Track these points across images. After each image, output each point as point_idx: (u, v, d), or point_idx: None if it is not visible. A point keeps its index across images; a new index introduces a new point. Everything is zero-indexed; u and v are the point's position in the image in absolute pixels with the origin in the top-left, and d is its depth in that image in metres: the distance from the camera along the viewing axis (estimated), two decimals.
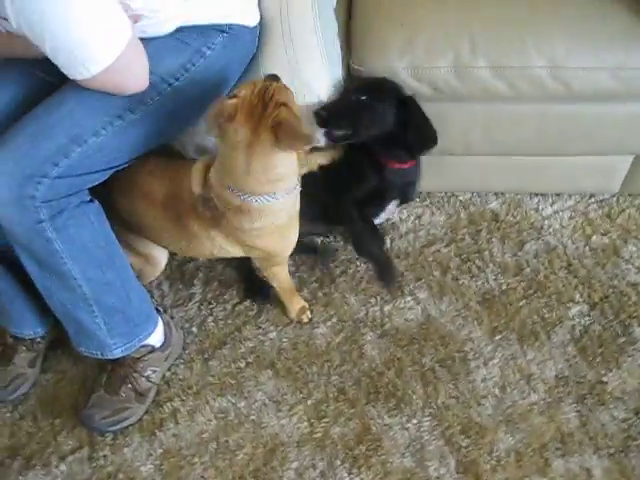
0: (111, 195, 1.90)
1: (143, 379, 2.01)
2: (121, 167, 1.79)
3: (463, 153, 2.23)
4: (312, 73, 1.93)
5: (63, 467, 1.97)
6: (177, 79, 1.74)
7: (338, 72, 2.01)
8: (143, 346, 1.99)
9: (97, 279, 1.79)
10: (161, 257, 2.10)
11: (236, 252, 1.92)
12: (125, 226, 1.95)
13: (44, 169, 1.58)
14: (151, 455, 1.97)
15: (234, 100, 1.58)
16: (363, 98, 1.89)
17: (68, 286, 1.76)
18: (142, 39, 1.61)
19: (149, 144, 1.81)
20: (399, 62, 1.96)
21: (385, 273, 2.17)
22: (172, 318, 2.22)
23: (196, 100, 1.81)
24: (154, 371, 2.03)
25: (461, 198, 2.45)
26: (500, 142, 2.17)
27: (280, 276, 2.09)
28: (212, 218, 1.79)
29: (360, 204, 2.08)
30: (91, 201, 1.76)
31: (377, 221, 2.18)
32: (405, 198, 2.19)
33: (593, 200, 2.40)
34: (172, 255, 2.34)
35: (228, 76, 1.87)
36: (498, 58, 1.93)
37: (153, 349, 2.02)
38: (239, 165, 1.63)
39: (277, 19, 1.91)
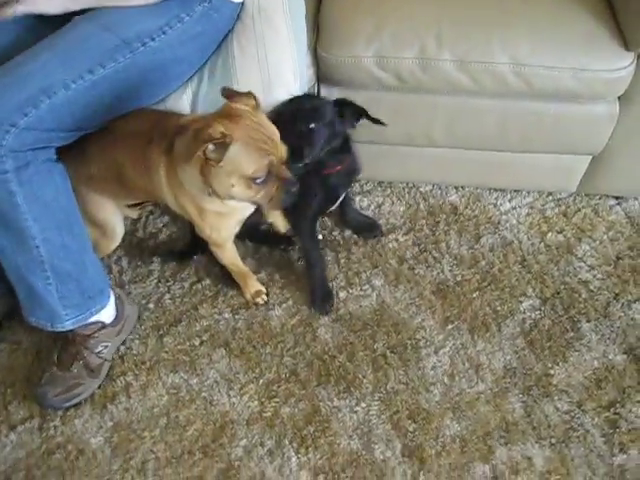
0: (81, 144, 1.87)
1: (94, 355, 2.02)
2: (89, 130, 1.80)
3: (425, 144, 2.26)
4: (281, 65, 1.94)
5: (13, 437, 1.98)
6: (152, 39, 1.76)
7: (305, 61, 2.02)
8: (94, 323, 1.99)
9: (55, 241, 1.78)
10: (118, 229, 2.08)
11: (174, 206, 1.92)
12: (88, 184, 1.93)
13: (13, 118, 1.59)
14: (101, 427, 1.98)
15: None
16: (312, 126, 1.86)
17: (25, 246, 1.75)
18: None
19: (118, 107, 1.82)
20: (365, 50, 1.99)
21: (318, 296, 2.21)
22: (129, 294, 2.24)
23: (168, 64, 1.83)
24: (105, 347, 2.03)
25: (422, 189, 2.48)
26: (462, 136, 2.21)
27: (223, 257, 2.09)
28: (168, 147, 1.77)
29: (314, 216, 2.15)
30: (57, 161, 1.76)
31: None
32: (350, 185, 2.23)
33: (551, 198, 2.46)
34: (132, 232, 2.36)
35: (203, 45, 1.90)
36: (463, 52, 1.97)
37: (104, 325, 2.02)
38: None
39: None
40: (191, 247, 2.31)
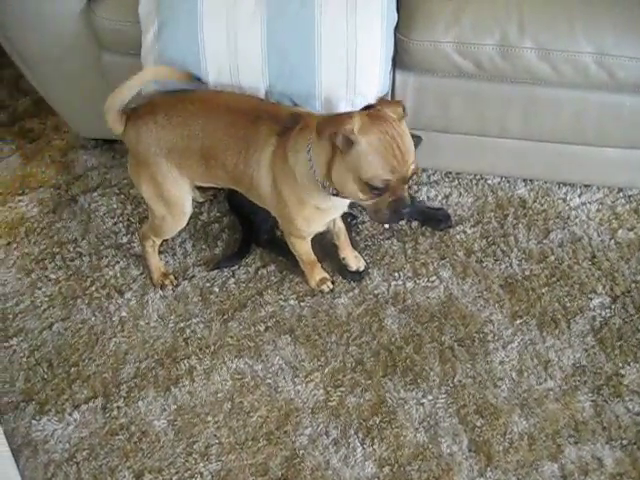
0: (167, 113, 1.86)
1: None
2: None
3: (498, 135, 2.21)
4: (368, 69, 1.90)
5: (76, 415, 1.98)
6: None
7: (389, 67, 1.99)
8: None
9: None
10: (187, 210, 2.03)
11: (265, 191, 1.88)
12: (168, 156, 1.88)
13: None
14: (165, 410, 1.98)
15: None
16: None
17: None
18: None
19: None
20: (445, 36, 1.94)
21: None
22: (193, 277, 2.23)
23: None
24: None
25: (490, 182, 2.44)
26: (536, 127, 2.15)
27: (298, 248, 2.06)
28: (281, 130, 1.76)
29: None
30: None
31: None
32: None
33: (621, 194, 2.39)
34: (196, 215, 2.35)
35: None
36: (545, 40, 1.91)
37: None
38: None
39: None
40: (244, 246, 2.29)
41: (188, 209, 2.03)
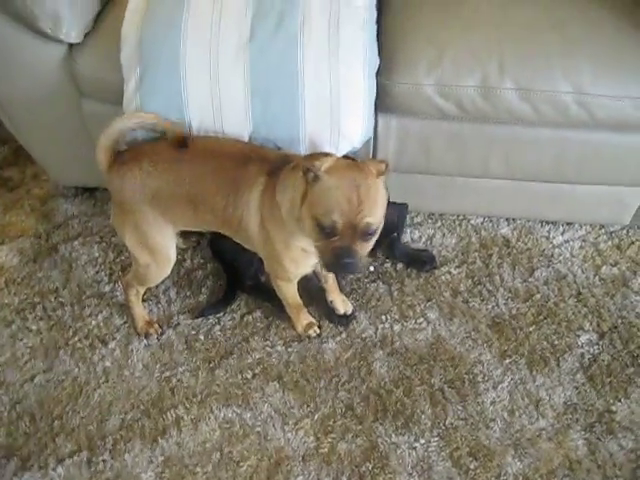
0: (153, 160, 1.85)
1: None
2: None
3: (479, 175, 2.22)
4: (352, 114, 1.92)
5: (60, 470, 1.93)
6: None
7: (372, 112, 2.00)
8: None
9: None
10: (171, 257, 2.01)
11: (253, 232, 1.86)
12: (152, 203, 1.86)
13: None
14: (152, 462, 1.93)
15: None
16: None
17: None
18: None
19: None
20: (427, 79, 1.95)
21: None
22: (178, 324, 2.20)
23: None
24: None
25: (473, 222, 2.45)
26: (518, 166, 2.17)
27: (284, 291, 2.05)
28: (271, 170, 1.77)
29: None
30: None
31: None
32: None
33: (603, 231, 2.41)
34: (180, 262, 2.33)
35: None
36: (525, 81, 1.94)
37: None
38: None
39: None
40: (229, 293, 2.26)
41: (172, 256, 2.01)
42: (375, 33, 1.96)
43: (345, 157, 1.75)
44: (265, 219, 1.79)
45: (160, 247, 1.96)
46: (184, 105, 1.89)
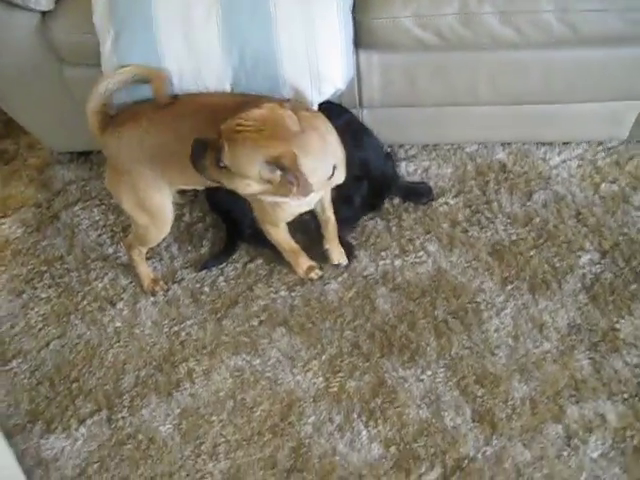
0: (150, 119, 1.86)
1: None
2: None
3: (469, 103, 2.21)
4: (331, 55, 1.90)
5: (83, 430, 2.00)
6: None
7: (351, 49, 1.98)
8: None
9: None
10: (169, 216, 2.03)
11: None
12: (151, 161, 1.87)
13: None
14: (169, 415, 1.99)
15: None
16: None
17: None
18: None
19: None
20: (403, 11, 1.93)
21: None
22: (182, 279, 2.24)
23: None
24: None
25: (467, 150, 2.43)
26: (506, 91, 2.15)
27: (274, 236, 2.06)
28: None
29: None
30: None
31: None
32: None
33: (601, 148, 2.38)
34: (179, 217, 2.35)
35: None
36: (505, 3, 1.90)
37: None
38: None
39: None
40: (229, 243, 2.29)
41: (171, 215, 2.03)
42: None
43: None
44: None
45: (158, 208, 1.98)
46: (161, 62, 1.88)
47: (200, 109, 1.84)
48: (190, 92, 1.92)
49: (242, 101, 1.80)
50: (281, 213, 1.92)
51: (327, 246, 2.18)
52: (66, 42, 2.04)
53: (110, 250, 2.35)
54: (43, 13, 2.02)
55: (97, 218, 2.43)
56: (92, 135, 1.88)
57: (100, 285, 2.27)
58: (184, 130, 1.81)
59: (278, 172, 1.60)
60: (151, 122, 1.84)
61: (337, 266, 2.20)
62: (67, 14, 2.02)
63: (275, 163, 1.59)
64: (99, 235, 2.39)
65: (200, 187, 2.06)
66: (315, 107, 1.93)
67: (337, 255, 2.19)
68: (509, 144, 2.42)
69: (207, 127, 1.79)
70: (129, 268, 2.26)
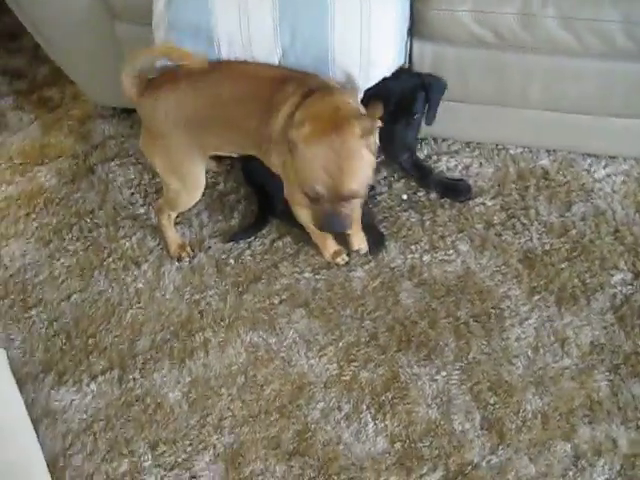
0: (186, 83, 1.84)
1: None
2: None
3: (519, 105, 2.15)
4: (384, 40, 1.86)
5: (93, 386, 2.02)
6: None
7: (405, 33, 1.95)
8: None
9: None
10: (201, 182, 2.03)
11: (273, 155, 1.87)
12: (186, 126, 1.85)
13: None
14: (179, 382, 2.00)
15: None
16: (416, 116, 2.01)
17: None
18: None
19: None
20: (463, 4, 1.88)
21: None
22: (209, 248, 2.23)
23: None
24: None
25: (512, 152, 2.38)
26: (559, 98, 2.09)
27: (303, 218, 2.03)
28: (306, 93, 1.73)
29: None
30: None
31: None
32: None
33: None
34: (213, 185, 2.34)
35: None
36: (569, 8, 1.84)
37: None
38: None
39: None
40: (260, 218, 2.27)
41: (202, 182, 2.02)
42: None
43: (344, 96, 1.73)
44: (284, 142, 1.76)
45: (190, 173, 1.97)
46: (213, 28, 1.86)
47: (242, 77, 1.83)
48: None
49: (287, 75, 1.79)
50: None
51: (350, 232, 2.15)
52: None
53: (141, 210, 2.36)
54: None
55: (132, 176, 2.44)
56: (127, 97, 1.86)
57: (127, 244, 2.28)
58: (224, 96, 1.80)
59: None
60: (190, 85, 1.82)
61: (357, 252, 2.18)
62: None
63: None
64: (132, 194, 2.40)
65: (235, 154, 2.05)
66: (361, 92, 1.90)
67: (358, 240, 2.17)
68: (554, 151, 2.36)
69: (248, 96, 1.79)
70: (158, 231, 2.26)
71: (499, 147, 2.39)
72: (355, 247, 2.17)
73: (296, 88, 1.74)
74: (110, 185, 2.42)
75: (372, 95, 1.90)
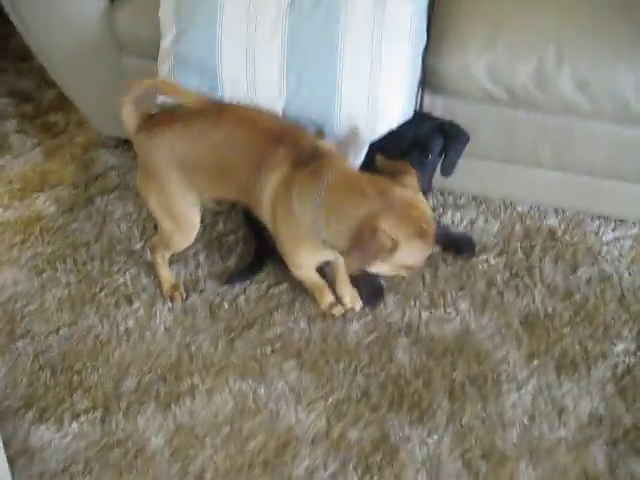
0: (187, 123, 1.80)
1: None
2: None
3: (529, 164, 2.11)
4: (392, 95, 1.83)
5: (75, 426, 1.96)
6: None
7: (415, 89, 1.91)
8: None
9: None
10: (194, 224, 1.97)
11: (266, 215, 1.80)
12: (180, 167, 1.80)
13: None
14: (163, 428, 1.93)
15: None
16: (429, 158, 1.84)
17: None
18: None
19: None
20: (477, 60, 1.84)
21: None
22: (204, 290, 2.18)
23: None
24: None
25: (519, 209, 2.33)
26: (570, 159, 2.05)
27: (298, 276, 1.99)
28: (297, 160, 1.68)
29: None
30: None
31: None
32: None
33: None
34: (212, 225, 2.30)
35: None
36: (585, 70, 1.80)
37: None
38: None
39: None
40: (257, 260, 2.22)
41: (197, 224, 1.97)
42: (425, 7, 1.84)
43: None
44: (277, 211, 1.73)
45: (184, 214, 1.93)
46: (218, 69, 1.83)
47: (239, 125, 1.76)
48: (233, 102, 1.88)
49: (282, 132, 1.73)
50: (307, 263, 1.88)
51: (339, 290, 2.11)
52: (128, 31, 2.01)
53: (137, 246, 2.31)
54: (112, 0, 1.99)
55: (131, 210, 2.39)
56: (127, 132, 1.84)
57: (121, 280, 2.23)
58: (218, 142, 1.75)
59: None
60: (186, 126, 1.78)
61: (351, 310, 2.13)
62: (134, 4, 2.00)
63: None
64: (129, 228, 2.35)
65: (229, 199, 2.00)
66: (365, 147, 1.86)
67: (349, 299, 2.11)
68: (563, 211, 2.32)
69: (241, 147, 1.74)
70: (153, 268, 2.21)
71: (506, 203, 2.34)
72: (348, 305, 2.12)
73: (287, 153, 1.68)
74: (108, 217, 2.38)
75: (390, 134, 1.85)
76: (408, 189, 1.55)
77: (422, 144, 1.80)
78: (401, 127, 1.83)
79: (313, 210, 1.61)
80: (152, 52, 1.92)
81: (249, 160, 1.74)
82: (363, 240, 1.50)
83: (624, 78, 1.80)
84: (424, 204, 1.57)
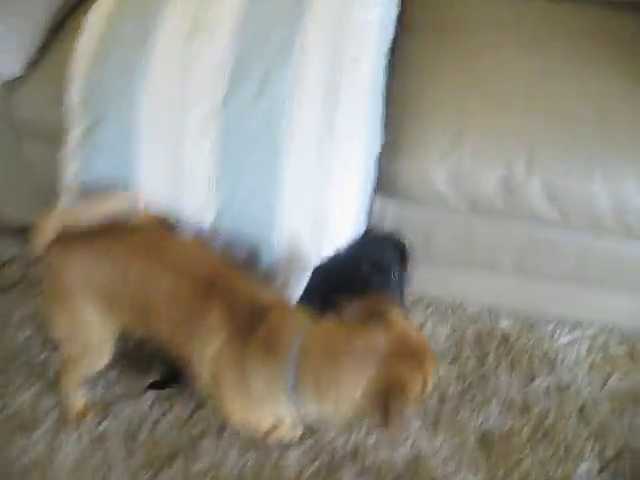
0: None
1: None
2: None
3: (485, 269, 1.93)
4: (342, 215, 1.60)
5: None
6: None
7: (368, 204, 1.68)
8: None
9: None
10: (107, 350, 1.66)
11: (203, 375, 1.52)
12: (96, 292, 1.50)
13: None
14: None
15: None
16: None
17: None
18: None
19: None
20: (439, 166, 1.64)
21: None
22: (117, 415, 1.87)
23: None
24: None
25: (469, 311, 2.14)
26: (532, 265, 1.88)
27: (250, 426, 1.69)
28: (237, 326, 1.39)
29: None
30: None
31: None
32: None
33: (617, 332, 2.11)
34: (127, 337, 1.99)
35: None
36: (558, 180, 1.63)
37: None
38: None
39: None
40: (170, 376, 1.94)
41: (111, 351, 1.67)
42: (381, 105, 1.63)
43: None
44: (219, 368, 1.43)
45: (96, 344, 1.62)
46: (135, 177, 1.55)
47: (162, 259, 1.48)
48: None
49: (214, 275, 1.45)
50: (263, 420, 1.61)
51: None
52: (28, 115, 1.72)
53: (41, 357, 1.98)
54: None
55: (34, 311, 2.05)
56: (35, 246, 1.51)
57: (19, 400, 1.89)
58: (135, 277, 1.47)
59: None
60: (104, 247, 1.49)
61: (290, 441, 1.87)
62: (36, 85, 1.72)
63: None
64: (29, 337, 2.02)
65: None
66: (308, 272, 1.62)
67: (292, 432, 1.85)
68: (515, 313, 2.14)
69: (164, 285, 1.45)
70: (58, 386, 1.88)
71: (456, 304, 2.15)
72: (287, 439, 1.85)
73: (220, 316, 1.39)
74: (7, 320, 2.04)
75: (343, 258, 1.61)
76: (401, 327, 1.36)
77: (380, 264, 1.58)
78: (352, 247, 1.61)
79: (286, 390, 1.34)
80: (55, 139, 1.63)
81: (174, 310, 1.45)
82: (394, 404, 1.28)
83: (598, 190, 1.64)
84: (419, 335, 1.43)
